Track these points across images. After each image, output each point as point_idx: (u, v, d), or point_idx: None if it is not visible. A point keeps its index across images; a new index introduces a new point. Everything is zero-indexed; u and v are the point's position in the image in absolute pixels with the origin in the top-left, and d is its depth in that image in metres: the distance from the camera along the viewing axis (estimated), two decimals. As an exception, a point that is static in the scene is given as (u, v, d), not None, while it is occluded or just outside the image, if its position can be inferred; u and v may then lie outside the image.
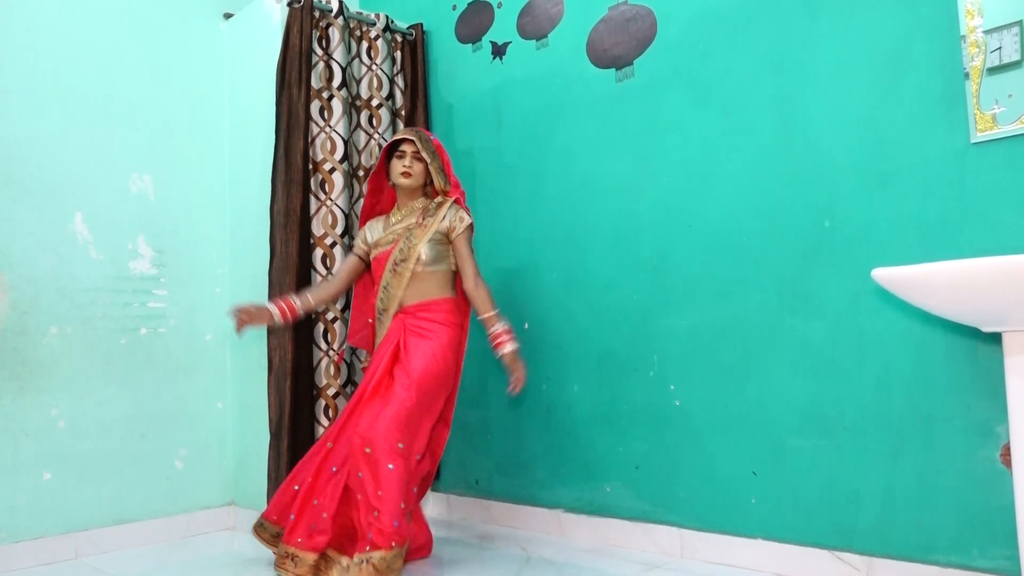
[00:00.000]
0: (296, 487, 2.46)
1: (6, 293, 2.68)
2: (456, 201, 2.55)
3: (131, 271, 2.97)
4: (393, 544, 2.22)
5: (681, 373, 2.52)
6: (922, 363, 2.04)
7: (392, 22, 3.28)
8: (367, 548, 2.23)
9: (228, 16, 3.33)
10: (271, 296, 2.85)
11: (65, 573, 2.57)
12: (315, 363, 2.91)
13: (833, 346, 2.19)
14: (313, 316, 2.91)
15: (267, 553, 2.72)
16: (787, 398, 2.28)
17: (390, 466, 2.25)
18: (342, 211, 3.00)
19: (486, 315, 2.45)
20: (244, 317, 2.47)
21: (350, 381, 3.00)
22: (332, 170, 2.99)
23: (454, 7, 3.33)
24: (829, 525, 2.19)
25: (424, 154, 2.51)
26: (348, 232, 3.02)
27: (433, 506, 3.27)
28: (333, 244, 2.98)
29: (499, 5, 3.15)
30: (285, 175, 2.90)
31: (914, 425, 2.04)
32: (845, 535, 2.15)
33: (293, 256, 2.87)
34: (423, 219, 2.51)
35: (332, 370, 2.95)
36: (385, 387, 2.39)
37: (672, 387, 2.54)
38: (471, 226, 2.53)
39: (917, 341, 2.04)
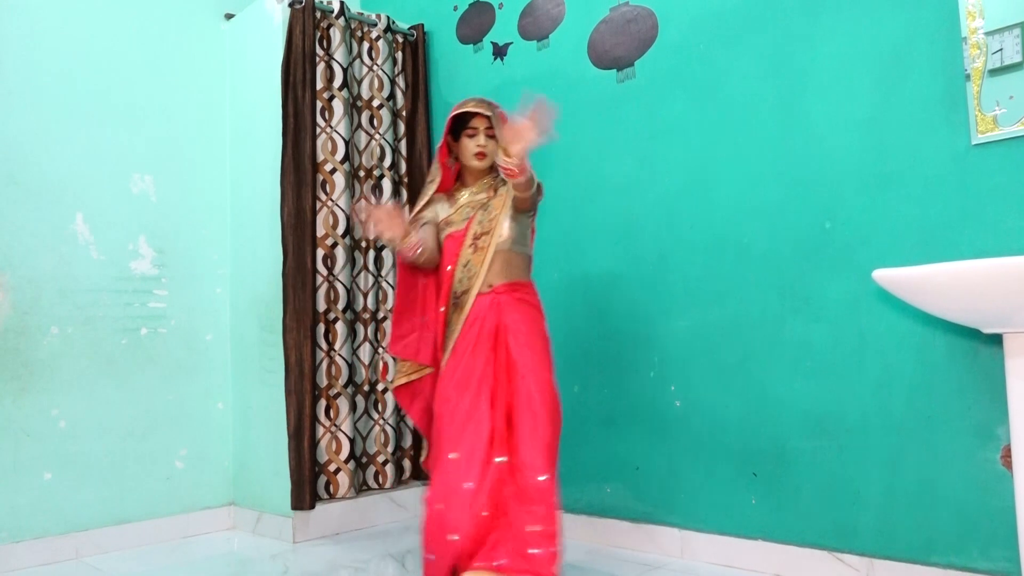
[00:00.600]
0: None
1: (7, 293, 2.68)
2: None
3: (132, 271, 2.98)
4: None
5: (682, 374, 2.52)
6: (923, 364, 2.04)
7: (393, 23, 3.28)
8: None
9: (229, 17, 3.33)
10: (286, 299, 2.86)
11: (66, 573, 2.57)
12: (316, 363, 2.92)
13: (834, 347, 2.19)
14: (315, 316, 2.91)
15: (267, 552, 2.73)
16: (788, 399, 2.28)
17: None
18: (343, 212, 3.00)
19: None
20: (380, 216, 2.11)
21: (351, 381, 3.00)
22: (333, 171, 3.00)
23: (455, 8, 3.33)
24: (829, 526, 2.19)
25: (498, 132, 2.12)
26: (349, 232, 3.03)
27: (433, 507, 3.26)
28: (334, 245, 2.99)
29: (500, 6, 3.15)
30: (294, 177, 2.91)
31: (914, 426, 2.04)
32: (845, 536, 2.15)
33: (306, 257, 2.88)
34: (496, 192, 2.20)
35: (333, 370, 2.96)
36: (502, 381, 2.09)
37: (673, 388, 2.54)
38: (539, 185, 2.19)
39: (918, 342, 2.04)
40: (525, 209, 2.17)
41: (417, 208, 2.26)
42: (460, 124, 2.20)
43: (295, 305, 2.86)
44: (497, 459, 2.04)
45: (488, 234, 2.16)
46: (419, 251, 2.15)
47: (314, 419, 2.86)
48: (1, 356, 2.65)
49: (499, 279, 2.16)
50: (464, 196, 2.24)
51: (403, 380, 2.30)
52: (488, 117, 2.17)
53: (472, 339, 2.13)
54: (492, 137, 2.18)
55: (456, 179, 2.30)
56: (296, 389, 2.83)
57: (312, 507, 2.81)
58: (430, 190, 2.27)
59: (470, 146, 2.19)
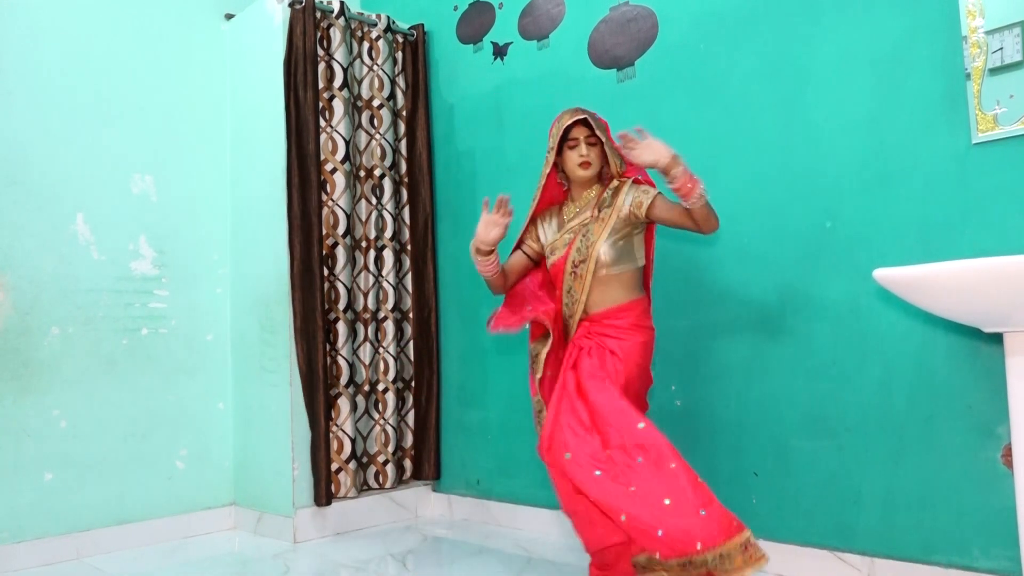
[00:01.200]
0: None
1: (8, 294, 2.68)
2: (635, 181, 2.19)
3: (132, 272, 2.98)
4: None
5: (682, 373, 2.52)
6: (923, 364, 2.04)
7: (393, 23, 3.28)
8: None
9: (229, 17, 3.33)
10: (294, 299, 2.87)
11: (66, 573, 2.57)
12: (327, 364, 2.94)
13: (834, 346, 2.19)
14: (324, 316, 2.92)
15: (268, 552, 2.73)
16: (788, 398, 2.28)
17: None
18: (344, 211, 3.00)
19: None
20: (486, 220, 2.16)
21: (352, 381, 3.00)
22: (334, 170, 3.00)
23: (455, 8, 3.33)
24: (830, 525, 2.19)
25: (599, 134, 2.15)
26: (350, 232, 3.03)
27: (434, 506, 3.27)
28: (335, 244, 2.99)
29: (500, 6, 3.15)
30: (299, 177, 2.92)
31: (915, 426, 2.04)
32: (846, 535, 2.15)
33: (313, 257, 2.89)
34: (599, 211, 2.17)
35: (335, 370, 2.96)
36: (577, 401, 2.09)
37: (673, 387, 2.54)
38: (657, 191, 2.14)
39: (918, 342, 2.04)
40: (696, 229, 2.06)
41: (523, 227, 2.31)
42: (561, 138, 2.19)
43: (304, 306, 2.87)
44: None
45: (585, 262, 2.15)
46: (490, 272, 2.22)
47: (328, 418, 2.88)
48: (2, 356, 2.65)
49: (597, 306, 2.17)
50: (569, 213, 2.25)
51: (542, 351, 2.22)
52: (587, 124, 2.17)
53: (566, 367, 2.16)
54: (593, 145, 2.18)
55: (567, 191, 2.30)
56: (311, 389, 2.86)
57: (329, 503, 2.86)
58: (532, 209, 2.29)
59: (573, 157, 2.18)
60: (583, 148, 2.16)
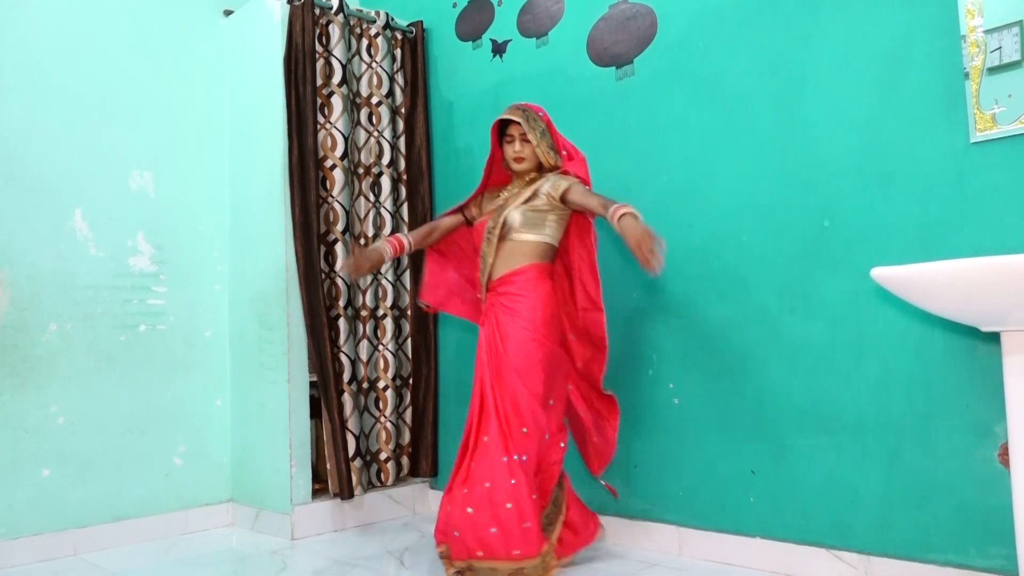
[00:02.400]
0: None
1: (6, 290, 2.68)
2: (564, 172, 2.37)
3: (131, 268, 2.97)
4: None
5: (680, 372, 2.52)
6: (921, 363, 2.04)
7: (392, 19, 3.28)
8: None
9: (228, 13, 3.32)
10: (301, 296, 2.89)
11: (64, 569, 2.57)
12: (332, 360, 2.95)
13: (832, 345, 2.20)
14: (328, 313, 2.92)
15: (265, 548, 2.73)
16: (786, 397, 2.28)
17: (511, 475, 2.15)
18: (343, 208, 3.00)
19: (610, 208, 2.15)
20: (363, 265, 2.41)
21: (353, 379, 3.00)
22: (333, 167, 3.00)
23: (454, 5, 3.33)
24: (827, 524, 2.19)
25: (531, 136, 2.33)
26: (349, 229, 3.02)
27: (431, 503, 3.27)
28: (335, 241, 2.98)
29: (499, 3, 3.15)
30: (300, 173, 2.91)
31: (913, 424, 2.05)
32: (843, 534, 2.16)
33: (315, 253, 2.89)
34: (533, 191, 2.36)
35: (337, 367, 2.96)
36: (497, 381, 2.25)
37: (671, 386, 2.54)
38: (579, 180, 2.32)
39: (916, 340, 2.05)
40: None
41: (471, 196, 2.55)
42: (500, 131, 2.41)
43: (310, 303, 2.87)
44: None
45: (495, 227, 2.34)
46: (398, 254, 2.51)
47: (341, 413, 2.90)
48: (0, 352, 2.65)
49: (499, 271, 2.35)
50: (508, 194, 2.44)
51: None
52: (520, 123, 2.34)
53: (480, 343, 2.36)
54: (528, 142, 2.36)
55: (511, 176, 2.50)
56: (325, 385, 2.89)
57: (352, 496, 2.90)
58: (481, 183, 2.53)
59: (509, 152, 2.39)
60: (517, 145, 2.37)
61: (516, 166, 2.39)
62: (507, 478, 2.13)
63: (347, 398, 2.96)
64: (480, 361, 2.32)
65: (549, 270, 2.38)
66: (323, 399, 2.91)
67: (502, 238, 2.34)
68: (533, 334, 2.25)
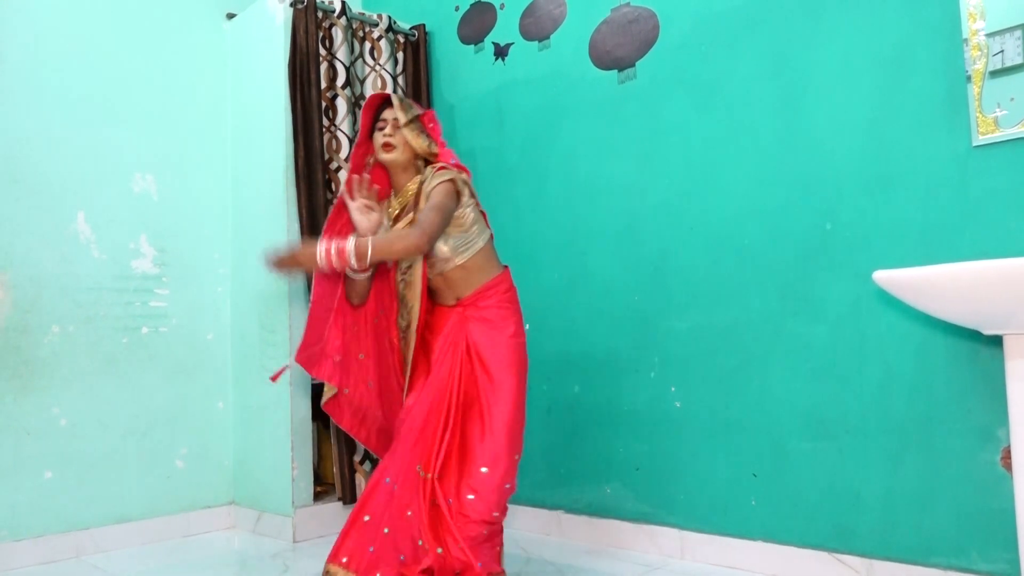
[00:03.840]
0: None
1: (8, 292, 2.68)
2: (441, 167, 2.08)
3: (133, 270, 2.98)
4: None
5: (682, 375, 2.52)
6: (923, 366, 2.04)
7: (395, 23, 3.28)
8: None
9: (231, 16, 3.33)
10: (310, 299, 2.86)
11: (66, 572, 2.57)
12: None
13: (834, 348, 2.19)
14: None
15: (267, 551, 2.73)
16: (788, 400, 2.28)
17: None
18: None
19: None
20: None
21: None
22: (338, 169, 3.00)
23: (456, 8, 3.33)
24: (829, 527, 2.19)
25: (400, 115, 2.06)
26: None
27: (433, 506, 3.27)
28: (336, 244, 2.99)
29: (501, 6, 3.15)
30: (308, 176, 2.92)
31: (915, 428, 2.04)
32: (845, 537, 2.16)
33: None
34: (415, 209, 2.07)
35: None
36: (473, 400, 2.06)
37: (673, 389, 2.54)
38: (450, 181, 2.02)
39: (918, 344, 2.04)
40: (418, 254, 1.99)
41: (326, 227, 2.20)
42: (374, 121, 2.14)
43: None
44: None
45: (412, 267, 2.08)
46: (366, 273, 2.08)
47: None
48: (2, 354, 2.65)
49: (465, 292, 2.12)
50: (394, 210, 2.16)
51: None
52: (394, 104, 2.09)
53: (441, 361, 2.11)
54: (400, 128, 2.08)
55: (390, 184, 2.21)
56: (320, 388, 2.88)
57: (354, 501, 2.90)
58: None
59: (378, 139, 2.10)
60: (389, 128, 2.08)
61: (385, 155, 2.08)
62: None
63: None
64: (438, 376, 2.07)
65: (507, 276, 2.18)
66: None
67: (433, 268, 2.07)
68: (522, 348, 2.10)
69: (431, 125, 2.15)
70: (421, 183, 2.09)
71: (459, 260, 2.08)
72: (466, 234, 2.09)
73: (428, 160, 2.15)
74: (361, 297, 2.14)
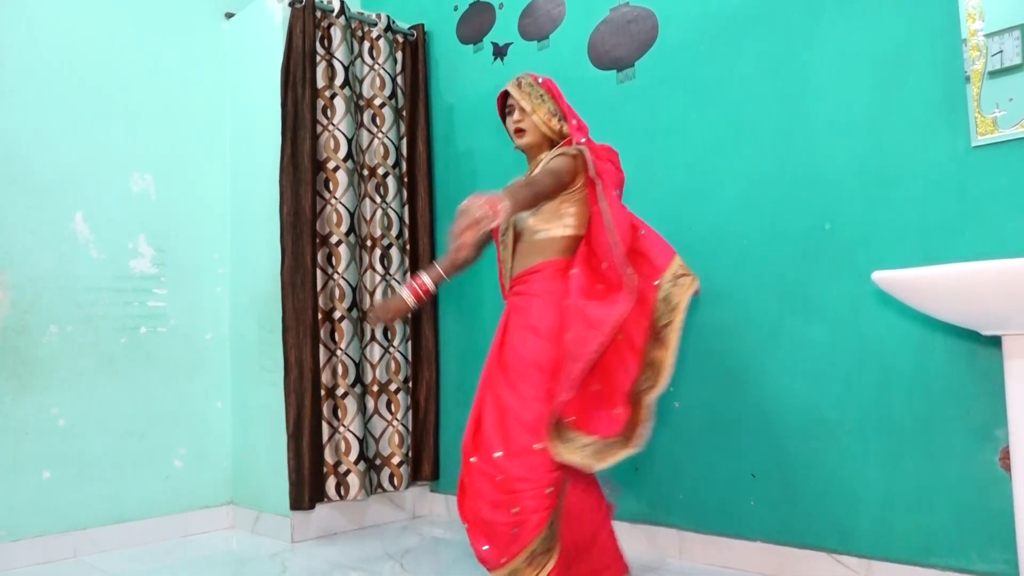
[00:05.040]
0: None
1: (7, 292, 2.68)
2: (566, 143, 2.08)
3: (132, 270, 2.98)
4: None
5: (681, 375, 2.51)
6: (922, 366, 2.04)
7: (393, 22, 3.28)
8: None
9: (229, 16, 3.33)
10: (284, 297, 2.86)
11: (64, 572, 2.57)
12: (323, 363, 2.92)
13: (833, 349, 2.19)
14: (320, 316, 2.91)
15: (265, 551, 2.73)
16: (787, 400, 2.28)
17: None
18: (347, 210, 3.00)
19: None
20: (383, 316, 2.21)
21: (359, 380, 2.99)
22: (336, 168, 3.00)
23: (455, 8, 3.33)
24: (828, 527, 2.19)
25: (524, 103, 2.07)
26: (353, 230, 3.02)
27: (432, 506, 3.27)
28: (339, 243, 2.98)
29: (500, 6, 3.15)
30: (293, 176, 2.91)
31: (913, 428, 2.04)
32: (844, 538, 2.16)
33: (305, 256, 2.88)
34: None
35: (340, 369, 2.95)
36: (493, 380, 2.03)
37: (672, 389, 2.54)
38: (572, 156, 1.99)
39: (917, 344, 2.04)
40: (550, 198, 1.97)
41: None
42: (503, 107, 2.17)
43: (294, 304, 2.86)
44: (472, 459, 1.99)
45: (508, 230, 2.12)
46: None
47: (315, 419, 2.86)
48: (1, 354, 2.65)
49: (516, 271, 2.09)
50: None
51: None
52: (512, 93, 2.10)
53: (494, 341, 2.09)
54: (524, 111, 2.08)
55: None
56: (296, 388, 2.84)
57: (311, 507, 2.82)
58: None
59: (508, 125, 2.14)
60: (516, 114, 2.10)
61: (518, 140, 2.11)
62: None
63: (351, 400, 2.95)
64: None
65: (569, 266, 2.02)
66: (288, 403, 2.84)
67: (517, 238, 2.09)
68: (537, 338, 1.96)
69: (560, 99, 2.11)
70: (549, 161, 2.04)
71: (532, 237, 2.05)
72: (555, 211, 2.02)
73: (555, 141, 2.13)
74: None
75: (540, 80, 2.13)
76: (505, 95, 2.16)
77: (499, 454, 1.89)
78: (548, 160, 2.02)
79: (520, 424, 1.90)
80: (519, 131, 2.09)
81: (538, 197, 1.91)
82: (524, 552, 1.86)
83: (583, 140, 2.04)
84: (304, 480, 2.80)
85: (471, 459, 1.96)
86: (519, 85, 2.12)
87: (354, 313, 3.01)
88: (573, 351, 1.87)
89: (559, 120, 2.10)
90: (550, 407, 1.88)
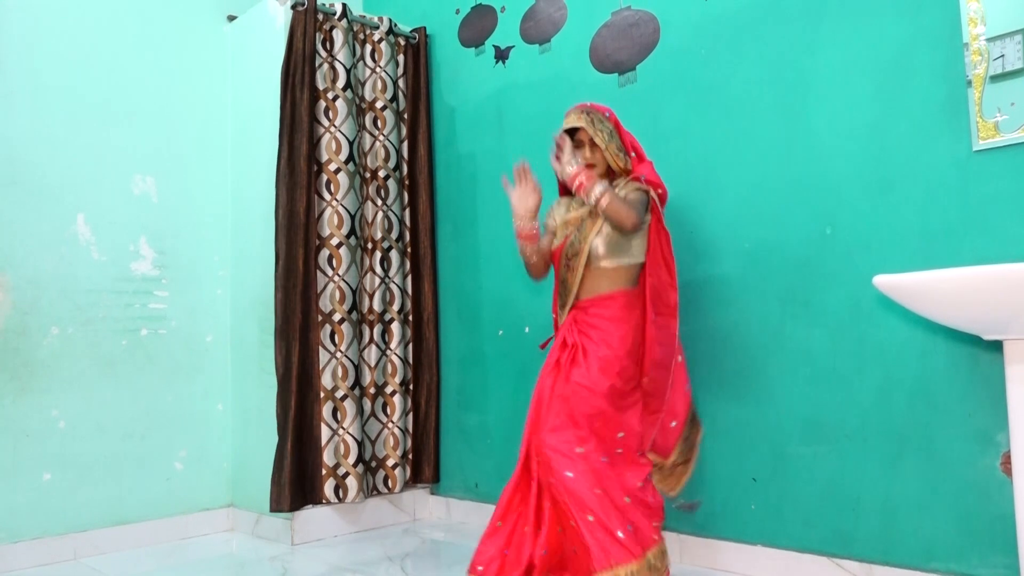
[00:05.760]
0: (499, 523, 2.13)
1: (8, 294, 2.68)
2: (635, 179, 2.19)
3: (133, 272, 2.98)
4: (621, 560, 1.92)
5: (682, 378, 2.51)
6: (923, 371, 2.03)
7: (395, 25, 3.29)
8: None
9: (232, 19, 3.33)
10: (277, 299, 2.87)
11: (64, 574, 2.57)
12: (322, 366, 2.91)
13: (834, 353, 2.19)
14: (319, 318, 2.91)
15: (265, 554, 2.73)
16: (787, 405, 2.28)
17: (568, 474, 1.98)
18: (348, 212, 3.00)
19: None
20: (527, 189, 2.24)
21: (357, 383, 2.99)
22: (337, 170, 3.00)
23: (457, 11, 3.33)
24: (829, 532, 2.18)
25: (598, 140, 2.17)
26: (354, 233, 3.02)
27: (432, 509, 3.26)
28: (339, 245, 2.99)
29: (502, 9, 3.16)
30: (288, 178, 2.92)
31: (915, 432, 2.04)
32: (845, 542, 2.15)
33: (297, 259, 2.88)
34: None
35: (340, 372, 2.95)
36: (560, 390, 2.11)
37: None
38: (645, 192, 2.14)
39: (918, 349, 2.04)
40: (626, 232, 2.11)
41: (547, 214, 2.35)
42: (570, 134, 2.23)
43: (285, 307, 2.87)
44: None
45: (578, 256, 2.17)
46: (532, 248, 2.27)
47: (299, 421, 2.84)
48: (1, 356, 2.65)
49: (585, 295, 2.18)
50: (575, 205, 2.26)
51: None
52: (586, 128, 2.18)
53: (553, 353, 2.18)
54: (596, 147, 2.19)
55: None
56: (283, 391, 2.84)
57: (291, 510, 2.79)
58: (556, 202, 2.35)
59: (568, 156, 2.17)
60: (587, 151, 2.19)
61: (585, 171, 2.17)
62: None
63: (350, 403, 2.95)
64: (541, 378, 2.18)
65: (639, 296, 2.18)
66: (277, 405, 2.85)
67: (587, 265, 2.17)
68: (616, 364, 2.08)
69: (624, 135, 2.22)
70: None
71: (604, 263, 2.16)
72: (627, 243, 2.15)
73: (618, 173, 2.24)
74: (540, 256, 2.31)
75: (608, 115, 2.21)
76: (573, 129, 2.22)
77: (580, 450, 2.05)
78: (625, 191, 2.15)
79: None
80: (590, 166, 2.17)
81: (620, 215, 2.05)
82: None
83: (642, 178, 2.17)
84: (285, 482, 2.78)
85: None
86: (591, 121, 2.18)
87: (354, 316, 3.01)
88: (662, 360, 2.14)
89: (624, 156, 2.21)
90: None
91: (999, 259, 1.87)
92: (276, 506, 2.78)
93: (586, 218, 2.19)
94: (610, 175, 2.23)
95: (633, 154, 2.23)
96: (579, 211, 2.23)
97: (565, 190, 2.35)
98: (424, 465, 3.20)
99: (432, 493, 3.28)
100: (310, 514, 2.88)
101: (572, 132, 2.22)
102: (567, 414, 2.05)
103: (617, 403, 2.09)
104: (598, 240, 2.15)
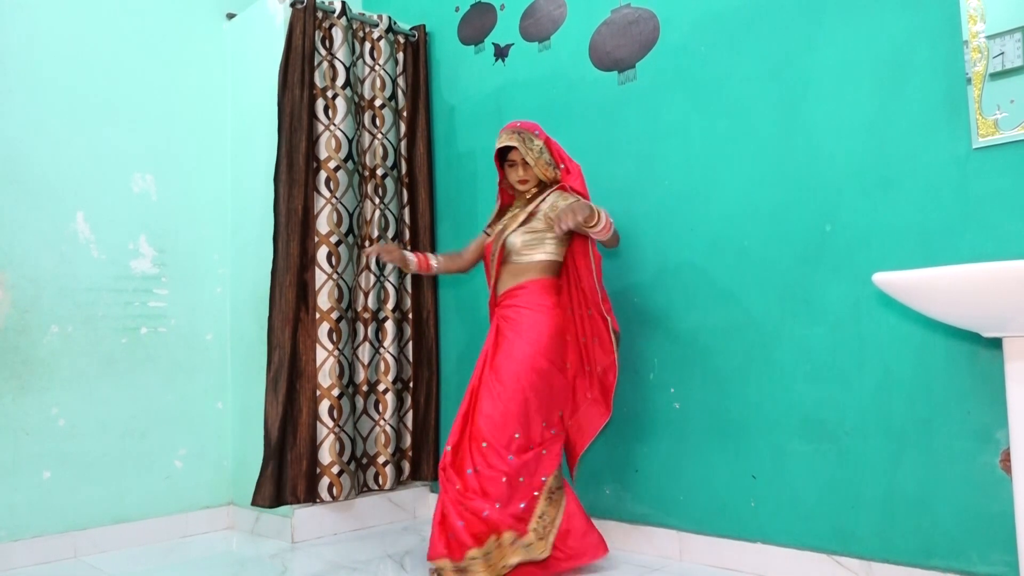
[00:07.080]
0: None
1: (7, 292, 2.68)
2: (561, 188, 2.43)
3: (132, 271, 2.98)
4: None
5: (681, 376, 2.52)
6: (922, 368, 2.04)
7: (395, 23, 3.28)
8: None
9: (231, 16, 3.33)
10: (273, 296, 2.87)
11: (64, 572, 2.57)
12: (320, 363, 2.91)
13: (833, 350, 2.19)
14: (317, 316, 2.91)
15: (265, 552, 2.73)
16: (787, 402, 2.28)
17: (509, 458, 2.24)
18: (347, 210, 3.00)
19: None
20: (384, 253, 2.58)
21: (351, 382, 3.00)
22: (337, 168, 3.00)
23: (457, 9, 3.33)
24: (829, 529, 2.19)
25: (529, 158, 2.41)
26: (352, 231, 3.02)
27: (432, 507, 3.26)
28: (339, 242, 2.98)
29: (502, 7, 3.16)
30: (287, 175, 2.91)
31: (914, 430, 2.04)
32: (845, 539, 2.15)
33: (294, 256, 2.88)
34: (531, 211, 2.44)
35: (337, 370, 2.94)
36: (486, 382, 2.34)
37: (672, 390, 2.54)
38: (577, 198, 2.36)
39: (917, 346, 2.04)
40: (613, 248, 2.47)
41: (491, 216, 2.64)
42: (502, 155, 2.51)
43: (281, 304, 2.87)
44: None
45: (496, 252, 2.44)
46: (439, 271, 2.67)
47: (285, 418, 2.84)
48: (1, 354, 2.65)
49: (502, 288, 2.44)
50: (511, 212, 2.52)
51: None
52: (518, 148, 2.42)
53: (483, 349, 2.45)
54: (528, 165, 2.44)
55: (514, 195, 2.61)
56: (275, 388, 2.84)
57: (272, 506, 2.78)
58: (497, 203, 2.65)
59: (512, 176, 2.49)
60: (520, 171, 2.45)
61: (521, 188, 2.48)
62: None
63: (346, 401, 2.96)
64: (475, 372, 2.42)
65: (554, 284, 2.44)
66: (267, 402, 2.85)
67: (503, 261, 2.43)
68: (534, 351, 2.31)
69: (553, 148, 2.47)
70: (541, 197, 2.44)
71: (517, 259, 2.42)
72: (540, 239, 2.41)
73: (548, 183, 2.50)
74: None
75: (537, 132, 2.45)
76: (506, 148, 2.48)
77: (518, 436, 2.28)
78: (570, 200, 2.36)
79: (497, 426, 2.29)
80: (523, 181, 2.46)
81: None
82: None
83: (568, 187, 2.42)
84: (266, 477, 2.78)
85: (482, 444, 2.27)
86: (523, 140, 2.41)
87: (350, 314, 3.01)
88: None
89: (554, 168, 2.45)
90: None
91: (998, 256, 1.88)
92: (256, 500, 2.78)
93: (512, 218, 2.46)
94: (540, 185, 2.48)
95: (562, 165, 2.45)
96: (512, 213, 2.49)
97: (504, 202, 2.63)
98: (424, 463, 3.20)
99: (432, 491, 3.29)
100: (310, 512, 2.88)
101: (506, 151, 2.48)
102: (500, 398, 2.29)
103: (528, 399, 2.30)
104: (514, 237, 2.41)
